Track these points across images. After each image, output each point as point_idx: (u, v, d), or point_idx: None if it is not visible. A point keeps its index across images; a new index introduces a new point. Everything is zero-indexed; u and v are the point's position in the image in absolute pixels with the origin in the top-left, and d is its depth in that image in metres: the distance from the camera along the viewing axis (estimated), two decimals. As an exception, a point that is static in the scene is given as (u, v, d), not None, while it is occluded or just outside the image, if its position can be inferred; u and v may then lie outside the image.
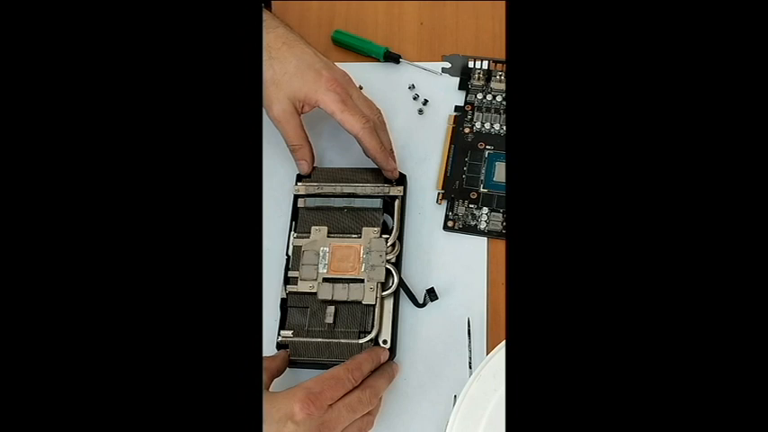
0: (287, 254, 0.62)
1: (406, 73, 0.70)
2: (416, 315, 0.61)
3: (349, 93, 0.61)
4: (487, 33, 0.71)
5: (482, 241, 0.63)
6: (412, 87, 0.69)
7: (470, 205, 0.64)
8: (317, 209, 0.63)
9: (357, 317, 0.59)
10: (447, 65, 0.70)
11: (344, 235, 0.62)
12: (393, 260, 0.61)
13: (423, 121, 0.68)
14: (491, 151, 0.66)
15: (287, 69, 0.60)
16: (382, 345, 0.59)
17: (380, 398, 0.56)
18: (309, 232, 0.62)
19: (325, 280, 0.60)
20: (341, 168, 0.65)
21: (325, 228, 0.62)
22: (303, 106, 0.61)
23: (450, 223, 0.64)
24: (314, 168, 0.65)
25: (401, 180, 0.64)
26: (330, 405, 0.51)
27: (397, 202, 0.63)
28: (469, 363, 0.58)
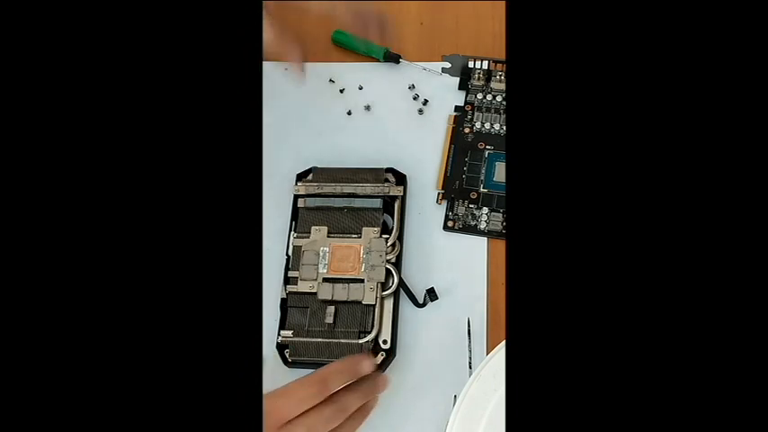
0: (287, 254, 0.62)
1: (406, 73, 0.70)
2: (416, 315, 0.61)
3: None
4: (487, 33, 0.71)
5: (482, 241, 0.63)
6: (412, 87, 0.69)
7: (470, 205, 0.64)
8: (317, 209, 0.63)
9: (357, 317, 0.59)
10: (447, 65, 0.70)
11: (344, 235, 0.62)
12: (393, 260, 0.61)
13: (423, 121, 0.68)
14: (491, 151, 0.66)
15: None
16: (382, 345, 0.59)
17: (356, 413, 0.52)
18: (309, 232, 0.62)
19: (326, 280, 0.60)
20: (341, 168, 0.65)
21: (326, 228, 0.62)
22: None
23: (450, 223, 0.64)
24: (314, 168, 0.65)
25: (401, 180, 0.64)
26: (287, 423, 0.47)
27: (397, 202, 0.63)
28: (469, 363, 0.58)
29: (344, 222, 0.62)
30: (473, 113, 0.67)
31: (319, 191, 0.63)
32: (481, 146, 0.66)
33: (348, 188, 0.63)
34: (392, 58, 0.70)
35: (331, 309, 0.59)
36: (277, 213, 0.64)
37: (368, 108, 0.69)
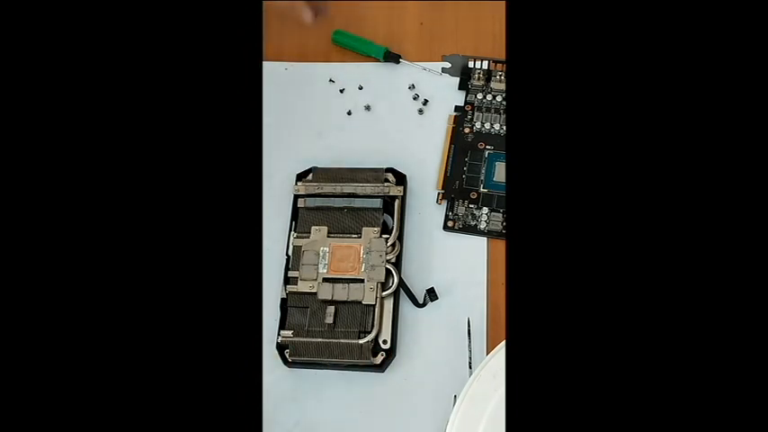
0: (287, 254, 0.62)
1: (406, 73, 0.70)
2: (416, 315, 0.61)
3: None
4: (487, 33, 0.71)
5: (482, 241, 0.63)
6: (412, 87, 0.69)
7: (470, 205, 0.64)
8: (317, 209, 0.63)
9: (357, 317, 0.59)
10: (447, 65, 0.70)
11: (344, 235, 0.62)
12: (393, 260, 0.61)
13: (423, 121, 0.68)
14: (491, 151, 0.66)
15: None
16: (382, 345, 0.59)
17: None
18: (309, 232, 0.62)
19: (326, 280, 0.60)
20: (341, 168, 0.65)
21: (326, 228, 0.62)
22: None
23: (450, 223, 0.64)
24: (314, 168, 0.65)
25: (401, 180, 0.64)
26: None
27: (397, 202, 0.63)
28: (469, 363, 0.58)
29: (344, 222, 0.62)
30: (473, 113, 0.67)
31: (319, 191, 0.63)
32: (481, 146, 0.66)
33: (348, 188, 0.63)
34: (392, 58, 0.70)
35: (331, 309, 0.59)
36: (277, 213, 0.64)
37: (368, 108, 0.69)
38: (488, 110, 0.67)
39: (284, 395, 0.59)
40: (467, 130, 0.67)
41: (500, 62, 0.69)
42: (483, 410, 0.53)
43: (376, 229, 0.61)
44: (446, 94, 0.69)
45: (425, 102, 0.69)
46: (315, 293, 0.60)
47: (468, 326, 0.60)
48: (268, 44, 0.67)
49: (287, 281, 0.61)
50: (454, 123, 0.67)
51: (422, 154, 0.67)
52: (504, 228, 0.63)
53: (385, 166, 0.64)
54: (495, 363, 0.54)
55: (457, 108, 0.68)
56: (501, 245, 0.63)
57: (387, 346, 0.59)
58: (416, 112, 0.68)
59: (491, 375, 0.54)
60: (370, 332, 0.58)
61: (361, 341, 0.58)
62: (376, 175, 0.64)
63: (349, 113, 0.69)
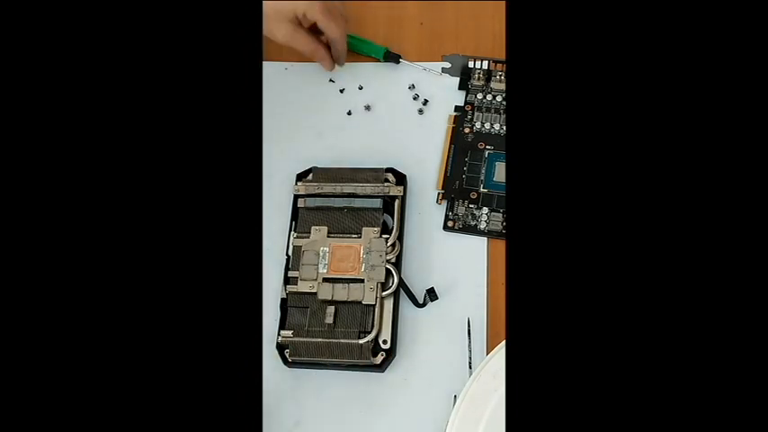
0: (287, 254, 0.62)
1: (406, 73, 0.70)
2: (416, 315, 0.61)
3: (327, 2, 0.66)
4: (487, 33, 0.71)
5: (482, 241, 0.63)
6: (412, 87, 0.69)
7: (470, 205, 0.64)
8: (317, 209, 0.63)
9: (357, 317, 0.59)
10: (447, 65, 0.70)
11: (344, 235, 0.62)
12: (393, 260, 0.61)
13: (423, 121, 0.68)
14: (491, 151, 0.66)
15: None
16: (382, 345, 0.59)
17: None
18: (309, 232, 0.62)
19: (326, 280, 0.60)
20: (341, 168, 0.65)
21: (326, 228, 0.62)
22: (303, 20, 0.66)
23: (450, 223, 0.64)
24: (314, 168, 0.65)
25: (401, 180, 0.64)
26: None
27: (397, 202, 0.63)
28: (469, 363, 0.58)
29: (344, 222, 0.62)
30: (473, 113, 0.67)
31: (319, 191, 0.63)
32: (481, 146, 0.66)
33: (348, 188, 0.63)
34: (392, 58, 0.70)
35: (331, 309, 0.59)
36: (277, 213, 0.64)
37: (368, 108, 0.69)
38: (488, 110, 0.67)
39: (284, 395, 0.59)
40: (467, 130, 0.67)
41: (500, 62, 0.69)
42: (483, 410, 0.53)
43: (376, 229, 0.61)
44: (446, 94, 0.69)
45: (425, 102, 0.69)
46: (315, 293, 0.60)
47: (468, 326, 0.60)
48: (268, 44, 0.67)
49: (287, 281, 0.61)
50: (454, 123, 0.67)
51: (422, 154, 0.67)
52: (504, 228, 0.63)
53: (385, 166, 0.64)
54: (495, 363, 0.54)
55: (457, 108, 0.68)
56: (501, 245, 0.63)
57: (387, 346, 0.59)
58: (416, 112, 0.68)
59: (491, 375, 0.54)
60: (370, 332, 0.58)
61: (361, 341, 0.58)
62: (376, 175, 0.64)
63: (349, 113, 0.69)
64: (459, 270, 0.62)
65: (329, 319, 0.59)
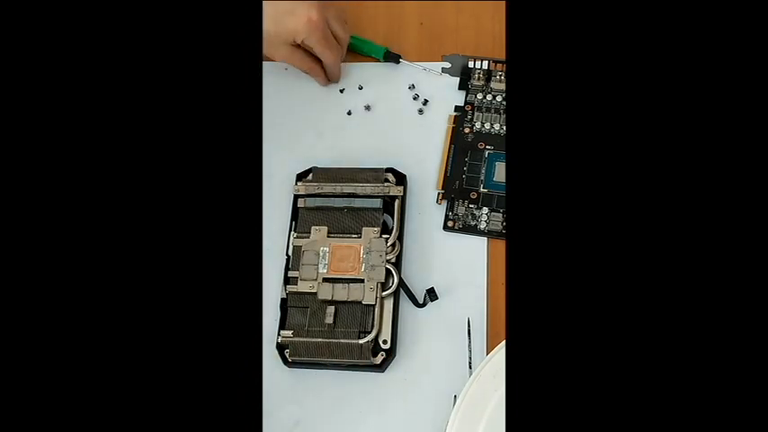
0: (287, 254, 0.62)
1: (406, 73, 0.70)
2: (416, 315, 0.61)
3: (326, 30, 0.67)
4: (487, 33, 0.71)
5: (482, 241, 0.63)
6: (412, 87, 0.69)
7: (470, 205, 0.64)
8: (317, 209, 0.63)
9: (357, 317, 0.59)
10: (447, 65, 0.70)
11: (344, 235, 0.62)
12: (393, 260, 0.61)
13: (423, 121, 0.68)
14: (491, 151, 0.66)
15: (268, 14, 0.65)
16: (382, 345, 0.59)
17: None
18: (309, 232, 0.62)
19: (326, 280, 0.60)
20: (341, 168, 0.65)
21: (325, 228, 0.62)
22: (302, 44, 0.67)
23: (450, 223, 0.64)
24: (314, 168, 0.65)
25: (401, 180, 0.64)
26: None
27: (397, 202, 0.63)
28: (469, 363, 0.58)
29: (344, 222, 0.62)
30: (473, 113, 0.67)
31: (319, 191, 0.63)
32: (481, 146, 0.66)
33: (348, 188, 0.63)
34: (392, 58, 0.70)
35: (331, 309, 0.59)
36: (277, 213, 0.64)
37: (368, 108, 0.69)
38: (488, 110, 0.67)
39: (284, 395, 0.59)
40: (467, 130, 0.67)
41: (500, 62, 0.69)
42: (483, 410, 0.53)
43: (376, 229, 0.61)
44: (446, 94, 0.69)
45: (425, 102, 0.69)
46: (315, 293, 0.60)
47: (468, 326, 0.60)
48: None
49: (287, 281, 0.61)
50: (454, 123, 0.67)
51: (422, 154, 0.67)
52: (504, 228, 0.63)
53: (385, 166, 0.64)
54: (495, 363, 0.54)
55: (457, 108, 0.68)
56: (501, 245, 0.63)
57: (387, 346, 0.59)
58: (416, 112, 0.68)
59: (491, 375, 0.54)
60: (370, 332, 0.58)
61: (361, 341, 0.58)
62: (376, 175, 0.64)
63: (349, 113, 0.69)
64: (459, 270, 0.62)
65: (329, 319, 0.59)
